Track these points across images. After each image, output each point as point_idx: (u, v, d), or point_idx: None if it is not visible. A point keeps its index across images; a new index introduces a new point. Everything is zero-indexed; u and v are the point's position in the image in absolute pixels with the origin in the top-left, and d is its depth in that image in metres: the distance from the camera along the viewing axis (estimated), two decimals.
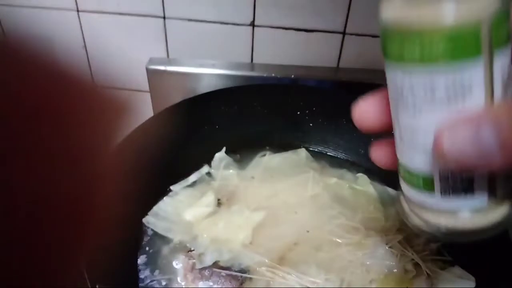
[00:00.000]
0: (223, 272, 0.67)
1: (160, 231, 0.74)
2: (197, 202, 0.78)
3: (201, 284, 0.66)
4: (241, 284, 0.66)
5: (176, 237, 0.73)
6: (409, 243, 0.74)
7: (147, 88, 1.03)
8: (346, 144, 0.89)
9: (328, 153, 0.90)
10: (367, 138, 0.87)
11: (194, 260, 0.69)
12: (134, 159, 0.65)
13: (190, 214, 0.76)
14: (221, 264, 0.69)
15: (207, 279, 0.66)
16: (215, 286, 0.65)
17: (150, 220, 0.75)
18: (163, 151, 0.79)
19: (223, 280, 0.66)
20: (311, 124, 0.90)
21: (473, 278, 0.67)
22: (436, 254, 0.73)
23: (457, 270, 0.70)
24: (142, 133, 0.77)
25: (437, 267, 0.72)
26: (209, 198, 0.78)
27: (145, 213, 0.75)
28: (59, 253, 0.21)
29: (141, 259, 0.70)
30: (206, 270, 0.68)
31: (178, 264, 0.69)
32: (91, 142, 0.21)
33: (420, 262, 0.71)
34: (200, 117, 0.85)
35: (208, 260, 0.69)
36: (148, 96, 1.05)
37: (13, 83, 0.17)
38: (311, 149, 0.90)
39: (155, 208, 0.76)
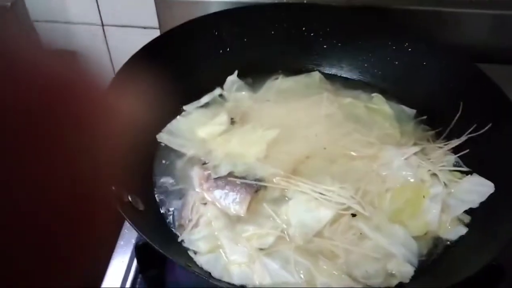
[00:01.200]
0: (238, 181, 0.67)
1: (174, 146, 0.74)
2: (210, 121, 0.78)
3: (216, 192, 0.66)
4: (256, 191, 0.66)
5: (189, 151, 0.73)
6: (427, 156, 0.73)
7: (156, 24, 1.02)
8: (361, 65, 0.87)
9: (342, 75, 0.89)
10: (383, 58, 0.85)
11: (209, 171, 0.69)
12: (144, 79, 0.65)
13: (204, 131, 0.76)
14: (236, 174, 0.69)
15: (222, 187, 0.66)
16: (230, 193, 0.65)
17: (164, 137, 0.75)
18: (174, 74, 0.79)
19: (238, 188, 0.66)
20: (325, 46, 0.88)
21: (491, 184, 0.66)
22: (454, 165, 0.72)
23: (475, 178, 0.68)
24: (151, 53, 0.76)
25: (454, 177, 0.70)
26: (222, 117, 0.78)
27: (159, 131, 0.75)
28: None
29: (157, 170, 0.70)
30: (221, 180, 0.67)
31: (193, 174, 0.69)
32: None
33: (437, 172, 0.70)
34: (211, 38, 0.83)
35: (223, 171, 0.69)
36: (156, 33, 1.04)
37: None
38: (325, 72, 0.89)
39: (168, 125, 0.76)
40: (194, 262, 0.59)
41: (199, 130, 0.76)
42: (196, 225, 0.62)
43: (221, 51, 0.85)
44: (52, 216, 0.21)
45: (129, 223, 0.51)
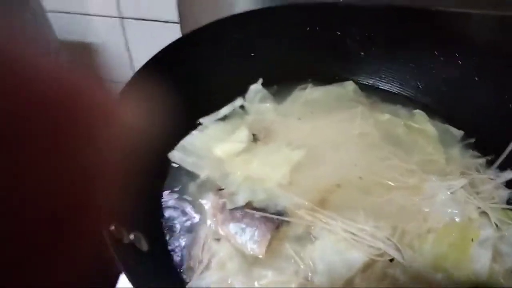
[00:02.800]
0: (257, 214, 0.58)
1: (187, 166, 0.66)
2: (229, 137, 0.70)
3: (232, 226, 0.58)
4: (277, 227, 0.58)
5: (204, 172, 0.65)
6: (475, 189, 0.63)
7: (176, 19, 0.94)
8: (403, 77, 0.77)
9: (380, 87, 0.79)
10: (428, 70, 0.75)
11: (224, 200, 0.61)
12: (158, 86, 0.57)
13: (221, 149, 0.68)
14: (255, 205, 0.60)
15: (239, 220, 0.58)
16: (248, 228, 0.57)
17: (176, 155, 0.67)
18: (191, 81, 0.70)
19: (257, 223, 0.58)
20: (362, 53, 0.78)
21: None
22: (508, 202, 0.62)
23: None
24: (167, 58, 0.68)
25: (508, 217, 0.61)
26: (243, 133, 0.69)
27: (171, 149, 0.67)
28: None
29: (166, 197, 0.63)
30: (238, 211, 0.59)
31: (206, 203, 0.61)
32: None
33: (488, 211, 0.60)
34: (233, 42, 0.74)
35: (241, 200, 0.61)
36: (177, 28, 0.96)
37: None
38: (360, 82, 0.79)
39: (182, 142, 0.68)
40: None
41: (216, 147, 0.68)
42: (207, 267, 0.54)
43: (244, 56, 0.76)
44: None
45: (126, 275, 0.44)
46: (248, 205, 0.60)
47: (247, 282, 0.53)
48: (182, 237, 0.58)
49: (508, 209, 0.62)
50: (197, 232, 0.59)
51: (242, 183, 0.64)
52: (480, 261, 0.56)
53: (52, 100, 0.20)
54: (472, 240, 0.58)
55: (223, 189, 0.63)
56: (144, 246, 0.51)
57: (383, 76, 0.78)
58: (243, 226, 0.58)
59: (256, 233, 0.57)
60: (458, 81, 0.72)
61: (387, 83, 0.78)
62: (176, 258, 0.56)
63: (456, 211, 0.60)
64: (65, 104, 0.21)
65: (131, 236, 0.50)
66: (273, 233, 0.57)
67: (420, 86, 0.76)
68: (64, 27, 1.02)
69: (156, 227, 0.59)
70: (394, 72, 0.77)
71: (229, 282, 0.53)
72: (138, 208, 0.55)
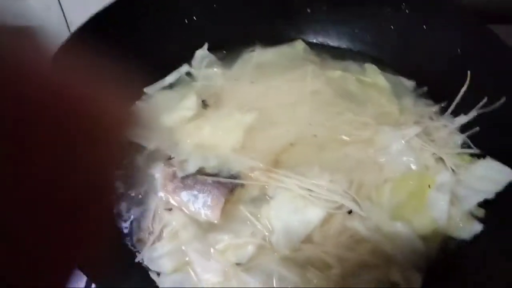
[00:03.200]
0: (209, 179, 0.56)
1: (132, 138, 0.62)
2: (177, 105, 0.66)
3: (184, 194, 0.55)
4: (231, 191, 0.55)
5: (151, 144, 0.61)
6: (430, 137, 0.62)
7: None
8: (351, 31, 0.75)
9: (329, 44, 0.77)
10: (376, 22, 0.73)
11: (174, 168, 0.58)
12: (95, 52, 0.52)
13: (170, 118, 0.65)
14: (207, 171, 0.58)
15: (191, 188, 0.55)
16: (200, 194, 0.54)
17: None
18: (132, 47, 0.66)
19: (209, 188, 0.55)
20: (308, 10, 0.75)
21: (509, 170, 0.56)
22: (462, 147, 0.62)
23: (489, 162, 0.58)
24: (102, 24, 0.63)
25: (463, 161, 0.60)
26: (191, 100, 0.66)
27: None
28: None
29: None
30: (189, 179, 0.56)
31: (156, 174, 0.58)
32: None
33: (444, 156, 0.60)
34: (174, 5, 0.70)
35: (192, 167, 0.58)
36: None
37: None
38: (309, 40, 0.76)
39: None
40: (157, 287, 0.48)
41: (164, 117, 0.65)
42: (158, 238, 0.52)
43: (186, 21, 0.72)
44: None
45: None
46: (200, 171, 0.58)
47: (203, 248, 0.50)
48: (131, 210, 0.55)
49: (464, 153, 0.61)
50: (147, 204, 0.55)
51: (193, 150, 0.61)
52: (439, 206, 0.56)
53: None
54: (429, 186, 0.58)
55: (172, 158, 0.60)
56: None
57: (331, 32, 0.76)
58: (195, 193, 0.55)
59: (209, 199, 0.54)
60: (407, 31, 0.71)
61: (336, 39, 0.76)
62: (125, 230, 0.53)
63: (412, 159, 0.60)
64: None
65: None
66: (227, 197, 0.54)
67: (369, 40, 0.74)
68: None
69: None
70: (342, 27, 0.75)
71: (183, 249, 0.50)
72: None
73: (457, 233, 0.54)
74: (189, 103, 0.66)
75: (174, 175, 0.57)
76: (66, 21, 0.93)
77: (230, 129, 0.63)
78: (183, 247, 0.51)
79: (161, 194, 0.56)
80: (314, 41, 0.77)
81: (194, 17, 0.72)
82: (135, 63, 0.63)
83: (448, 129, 0.63)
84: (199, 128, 0.64)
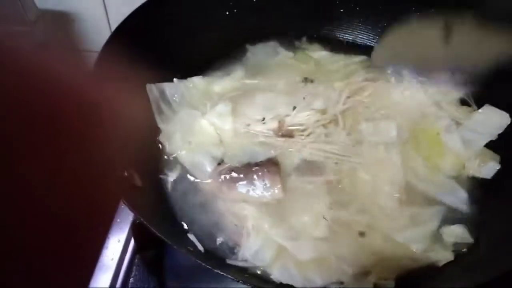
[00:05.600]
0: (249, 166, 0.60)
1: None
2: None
3: (240, 187, 0.58)
4: (276, 165, 0.59)
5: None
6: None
7: None
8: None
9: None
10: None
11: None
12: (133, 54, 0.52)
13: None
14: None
15: (242, 179, 0.58)
16: (255, 181, 0.57)
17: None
18: (169, 43, 0.67)
19: (258, 172, 0.58)
20: (341, 10, 0.80)
21: (507, 114, 0.64)
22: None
23: (488, 108, 0.66)
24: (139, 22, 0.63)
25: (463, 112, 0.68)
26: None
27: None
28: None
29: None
30: (232, 172, 0.59)
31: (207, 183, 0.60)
32: None
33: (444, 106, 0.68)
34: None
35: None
36: None
37: None
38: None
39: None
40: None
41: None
42: (247, 236, 0.54)
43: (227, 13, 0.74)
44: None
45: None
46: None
47: (287, 233, 0.53)
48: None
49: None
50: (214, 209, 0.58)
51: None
52: (454, 143, 0.64)
53: (26, 80, 0.20)
54: (438, 133, 0.65)
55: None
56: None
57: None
58: (249, 181, 0.57)
59: (266, 180, 0.57)
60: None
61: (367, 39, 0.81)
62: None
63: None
64: (41, 86, 0.21)
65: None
66: (278, 171, 0.58)
67: None
68: None
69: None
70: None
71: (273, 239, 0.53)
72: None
73: (480, 173, 0.62)
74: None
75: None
76: (105, 8, 0.87)
77: None
78: (272, 237, 0.53)
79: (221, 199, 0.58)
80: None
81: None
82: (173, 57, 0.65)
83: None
84: None
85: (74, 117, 0.22)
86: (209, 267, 0.45)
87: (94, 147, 0.23)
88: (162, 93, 0.65)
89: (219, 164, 0.60)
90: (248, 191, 0.57)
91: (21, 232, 0.20)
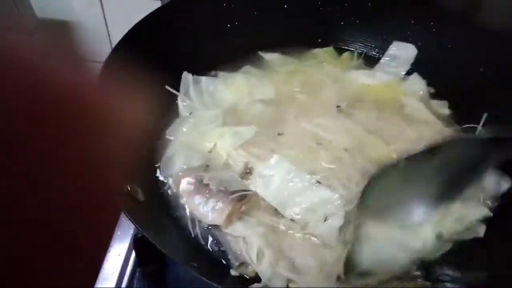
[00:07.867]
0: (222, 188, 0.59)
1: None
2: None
3: (197, 198, 0.58)
4: (240, 200, 0.58)
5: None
6: None
7: None
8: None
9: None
10: (404, 38, 0.76)
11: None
12: (138, 62, 0.52)
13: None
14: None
15: (204, 193, 0.59)
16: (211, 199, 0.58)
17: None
18: (175, 51, 0.68)
19: (221, 195, 0.58)
20: (342, 23, 0.81)
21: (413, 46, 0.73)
22: None
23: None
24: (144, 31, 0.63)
25: None
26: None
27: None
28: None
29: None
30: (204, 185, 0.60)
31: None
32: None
33: None
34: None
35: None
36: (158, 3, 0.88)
37: None
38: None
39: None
40: None
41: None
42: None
43: (228, 25, 0.75)
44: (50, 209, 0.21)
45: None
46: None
47: None
48: None
49: None
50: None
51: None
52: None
53: (30, 86, 0.20)
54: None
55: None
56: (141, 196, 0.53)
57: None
58: (207, 197, 0.57)
59: (217, 204, 0.56)
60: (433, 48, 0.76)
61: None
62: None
63: None
64: (46, 92, 0.21)
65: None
66: (235, 205, 0.56)
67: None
68: (43, 5, 0.92)
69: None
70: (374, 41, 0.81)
71: None
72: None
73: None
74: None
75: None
76: (104, 18, 0.89)
77: None
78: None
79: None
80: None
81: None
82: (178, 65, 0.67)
83: None
84: None
85: (77, 127, 0.22)
86: (214, 283, 0.44)
87: (97, 160, 0.23)
88: (197, 82, 0.68)
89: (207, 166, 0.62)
90: (200, 203, 0.57)
91: (20, 245, 0.20)
